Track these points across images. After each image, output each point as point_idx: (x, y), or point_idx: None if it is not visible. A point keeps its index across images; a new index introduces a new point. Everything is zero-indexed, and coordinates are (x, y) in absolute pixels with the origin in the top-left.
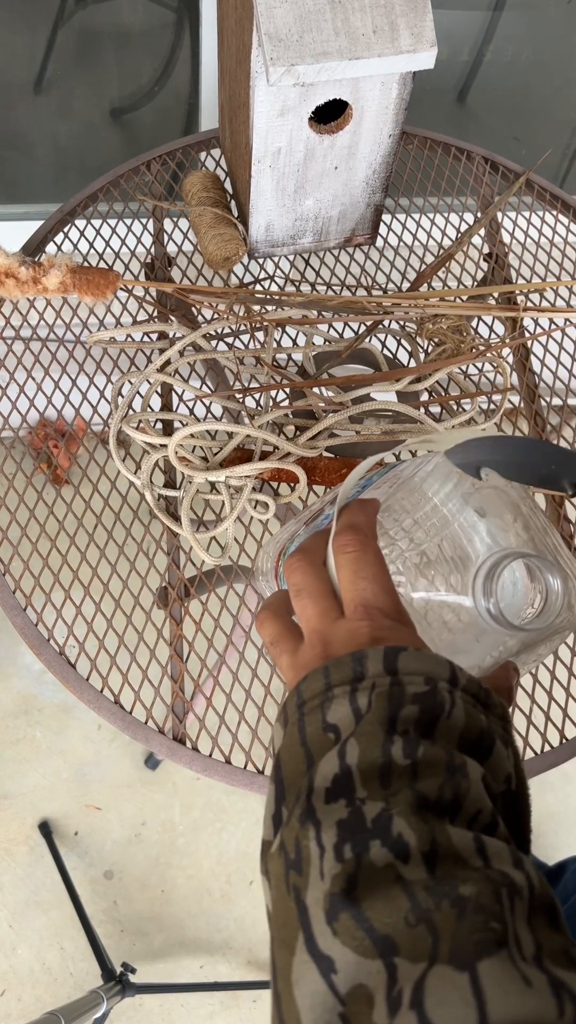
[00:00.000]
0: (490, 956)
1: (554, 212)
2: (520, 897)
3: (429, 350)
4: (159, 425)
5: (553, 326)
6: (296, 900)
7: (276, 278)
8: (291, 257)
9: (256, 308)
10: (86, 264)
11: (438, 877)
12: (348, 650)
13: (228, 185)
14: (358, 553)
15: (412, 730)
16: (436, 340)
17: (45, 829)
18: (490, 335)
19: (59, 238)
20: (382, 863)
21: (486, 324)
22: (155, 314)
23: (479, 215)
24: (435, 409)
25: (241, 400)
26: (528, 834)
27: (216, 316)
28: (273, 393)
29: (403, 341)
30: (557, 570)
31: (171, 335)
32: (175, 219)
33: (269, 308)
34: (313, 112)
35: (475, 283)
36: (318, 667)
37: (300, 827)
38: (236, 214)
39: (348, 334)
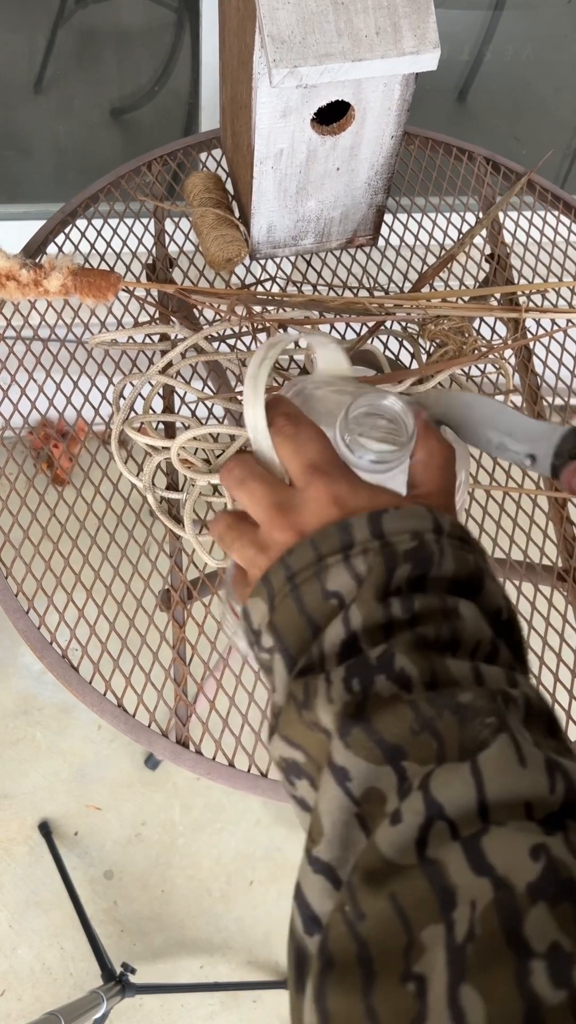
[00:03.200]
0: (488, 745)
1: (555, 212)
2: (516, 705)
3: (431, 351)
4: (161, 427)
5: (555, 327)
6: (319, 730)
7: (278, 279)
8: (293, 258)
9: (257, 309)
10: (87, 265)
11: (439, 694)
12: (315, 515)
13: (229, 186)
14: (294, 427)
15: (405, 587)
16: (438, 341)
17: (45, 829)
18: (492, 336)
19: (60, 239)
20: (387, 693)
21: (488, 325)
22: (156, 316)
23: (480, 216)
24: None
25: (242, 402)
26: (525, 656)
27: (218, 317)
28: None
29: (405, 342)
30: (388, 397)
31: (173, 337)
32: (176, 220)
33: (270, 309)
34: (315, 113)
35: (477, 284)
36: (302, 541)
37: (310, 677)
38: (237, 215)
39: (350, 335)
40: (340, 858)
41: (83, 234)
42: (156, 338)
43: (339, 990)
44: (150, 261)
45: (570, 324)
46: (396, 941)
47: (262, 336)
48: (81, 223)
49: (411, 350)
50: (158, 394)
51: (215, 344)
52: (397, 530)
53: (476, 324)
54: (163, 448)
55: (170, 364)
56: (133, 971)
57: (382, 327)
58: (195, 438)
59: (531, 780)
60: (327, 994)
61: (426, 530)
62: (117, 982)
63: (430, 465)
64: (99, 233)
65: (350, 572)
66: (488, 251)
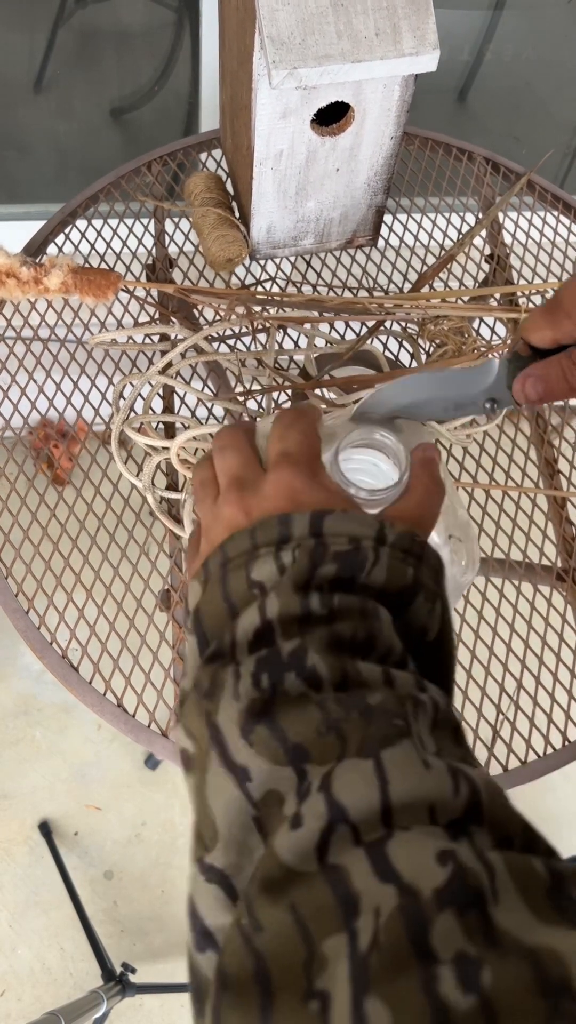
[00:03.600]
0: (392, 745)
1: (555, 213)
2: (424, 711)
3: (431, 351)
4: (161, 427)
5: None
6: (208, 723)
7: (278, 279)
8: (292, 258)
9: (257, 309)
10: (87, 265)
11: (349, 695)
12: (266, 501)
13: (229, 186)
14: (294, 414)
15: (327, 585)
16: (438, 341)
17: (45, 829)
18: (492, 336)
19: (60, 239)
20: (296, 692)
21: (487, 325)
22: (156, 316)
23: (480, 216)
24: None
25: (243, 402)
26: (450, 681)
27: (218, 317)
28: (275, 395)
29: (404, 342)
30: (383, 431)
31: (172, 337)
32: (176, 220)
33: (270, 309)
34: (315, 114)
35: (476, 284)
36: (244, 528)
37: (220, 667)
38: (237, 215)
39: (350, 336)
40: (235, 865)
41: (83, 234)
42: (156, 338)
43: (237, 1014)
44: (150, 261)
45: None
46: (296, 954)
47: (262, 336)
48: (81, 223)
49: (411, 350)
50: (158, 394)
51: (215, 344)
52: (336, 531)
53: (476, 324)
54: (163, 448)
55: (170, 364)
56: (133, 971)
57: (382, 327)
58: (195, 438)
59: (435, 782)
60: (224, 1018)
61: (366, 536)
62: (117, 982)
63: (411, 494)
64: (99, 233)
65: (276, 563)
66: (488, 251)
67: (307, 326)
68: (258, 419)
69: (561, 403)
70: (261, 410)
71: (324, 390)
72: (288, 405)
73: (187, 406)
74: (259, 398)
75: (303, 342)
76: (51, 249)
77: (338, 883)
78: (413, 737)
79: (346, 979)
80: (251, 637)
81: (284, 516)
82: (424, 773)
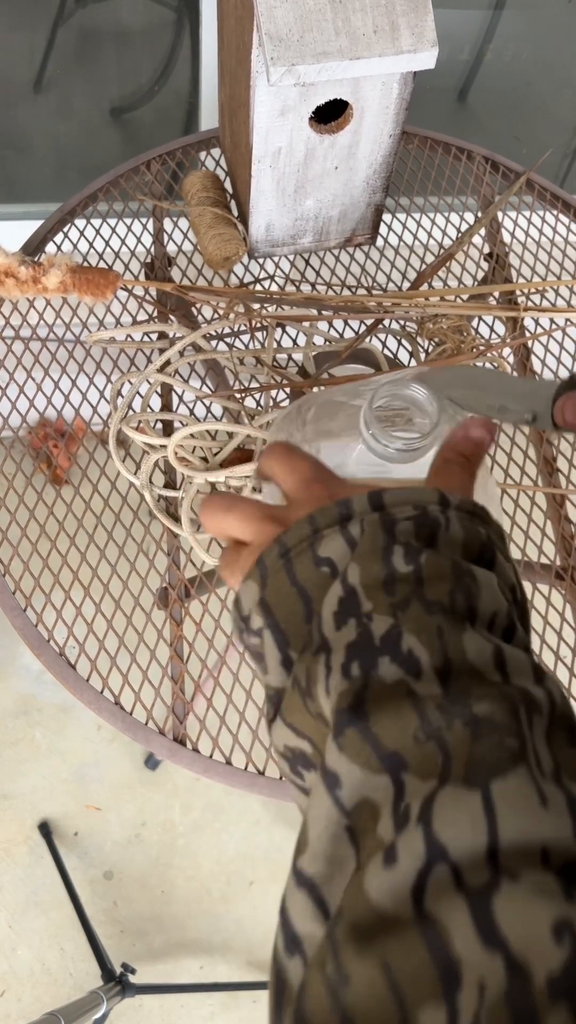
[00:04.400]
0: (504, 775)
1: (555, 212)
2: (539, 713)
3: (430, 350)
4: (159, 425)
5: (554, 326)
6: (317, 720)
7: (276, 278)
8: (291, 257)
9: (256, 307)
10: (86, 264)
11: (452, 693)
12: (311, 506)
13: (228, 185)
14: (283, 450)
15: (412, 540)
16: (436, 340)
17: (45, 830)
18: (491, 335)
19: (59, 238)
20: (392, 679)
21: (487, 324)
22: (155, 314)
23: (479, 215)
24: None
25: (241, 400)
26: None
27: (216, 316)
28: (273, 393)
29: (403, 341)
30: (415, 385)
31: (171, 335)
32: (175, 219)
33: (269, 308)
34: (313, 112)
35: (475, 283)
36: (301, 519)
37: (312, 657)
38: (236, 214)
39: (348, 334)
40: (325, 875)
41: (82, 233)
42: (154, 337)
43: None
44: (149, 260)
45: (568, 323)
46: (388, 1020)
47: (260, 334)
48: (80, 222)
49: (410, 349)
50: (156, 392)
51: (213, 342)
52: (398, 501)
53: (475, 323)
54: (160, 446)
55: (168, 362)
56: (133, 971)
57: (380, 326)
58: (192, 436)
59: (552, 822)
60: None
61: (430, 502)
62: (117, 982)
63: (442, 477)
64: (98, 232)
65: (345, 537)
66: (487, 250)
67: (306, 324)
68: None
69: None
70: (259, 408)
71: (323, 388)
72: (286, 403)
73: (185, 404)
74: (257, 396)
75: (302, 340)
76: (50, 248)
77: (437, 943)
78: (529, 761)
79: None
80: (336, 608)
81: (342, 499)
82: (540, 812)
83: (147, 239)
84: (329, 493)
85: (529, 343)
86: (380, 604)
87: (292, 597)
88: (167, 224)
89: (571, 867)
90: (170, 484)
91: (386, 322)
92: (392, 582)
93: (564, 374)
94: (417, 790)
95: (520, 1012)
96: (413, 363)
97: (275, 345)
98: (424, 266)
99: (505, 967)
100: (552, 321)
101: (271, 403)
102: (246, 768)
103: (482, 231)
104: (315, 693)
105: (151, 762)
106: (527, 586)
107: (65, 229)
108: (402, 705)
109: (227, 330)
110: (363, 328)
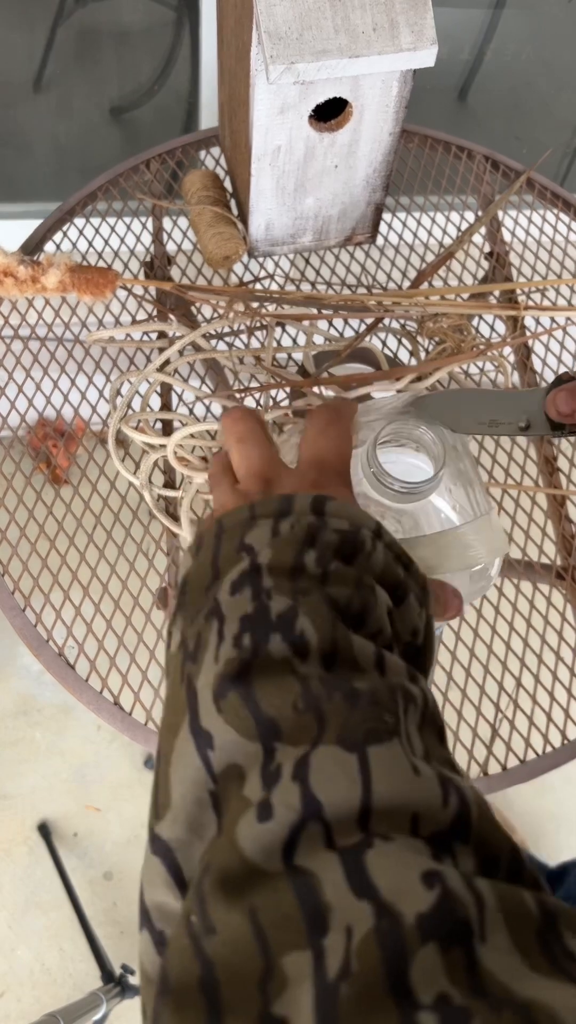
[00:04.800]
0: (380, 743)
1: (555, 211)
2: (414, 705)
3: (430, 349)
4: (158, 425)
5: (554, 325)
6: (187, 686)
7: (276, 277)
8: (291, 256)
9: (256, 306)
10: (85, 263)
11: (334, 674)
12: (287, 491)
13: (228, 184)
14: (330, 417)
15: (328, 552)
16: (437, 339)
17: (44, 830)
18: (491, 334)
19: (58, 237)
20: (279, 655)
21: (487, 323)
22: (154, 313)
23: (480, 214)
24: None
25: (241, 400)
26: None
27: (216, 315)
28: (273, 393)
29: (403, 340)
30: (423, 426)
31: (171, 334)
32: (175, 218)
33: (269, 307)
34: (313, 110)
35: (476, 282)
36: (243, 504)
37: (204, 622)
38: (236, 213)
39: (348, 334)
40: (183, 841)
41: (81, 232)
42: (154, 336)
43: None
44: (148, 259)
45: (569, 322)
46: (252, 967)
47: (260, 333)
48: (79, 221)
49: (410, 348)
50: (156, 392)
51: (213, 342)
52: (337, 513)
53: (475, 322)
54: (160, 445)
55: (167, 362)
56: (132, 972)
57: (380, 324)
58: (192, 435)
59: (423, 789)
60: None
61: (366, 526)
62: (116, 983)
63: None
64: (97, 231)
65: (271, 530)
66: (487, 249)
67: (305, 323)
68: (286, 426)
69: None
70: (260, 407)
71: (322, 388)
72: (286, 403)
73: (185, 404)
74: (257, 395)
75: (302, 340)
76: (49, 247)
77: (306, 890)
78: (402, 736)
79: (310, 1009)
80: (235, 577)
81: (288, 494)
82: (413, 778)
83: (147, 238)
84: (316, 483)
85: (529, 342)
86: (282, 587)
87: (207, 571)
88: (167, 223)
89: (440, 837)
90: (170, 484)
91: (386, 321)
92: (299, 572)
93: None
94: (288, 754)
95: (390, 950)
96: (413, 362)
97: (275, 344)
98: (424, 265)
99: (374, 911)
100: (553, 320)
101: (271, 402)
102: None
103: (482, 230)
104: (200, 658)
105: (151, 762)
106: (527, 586)
107: (64, 228)
108: (286, 676)
109: (227, 329)
110: (363, 327)
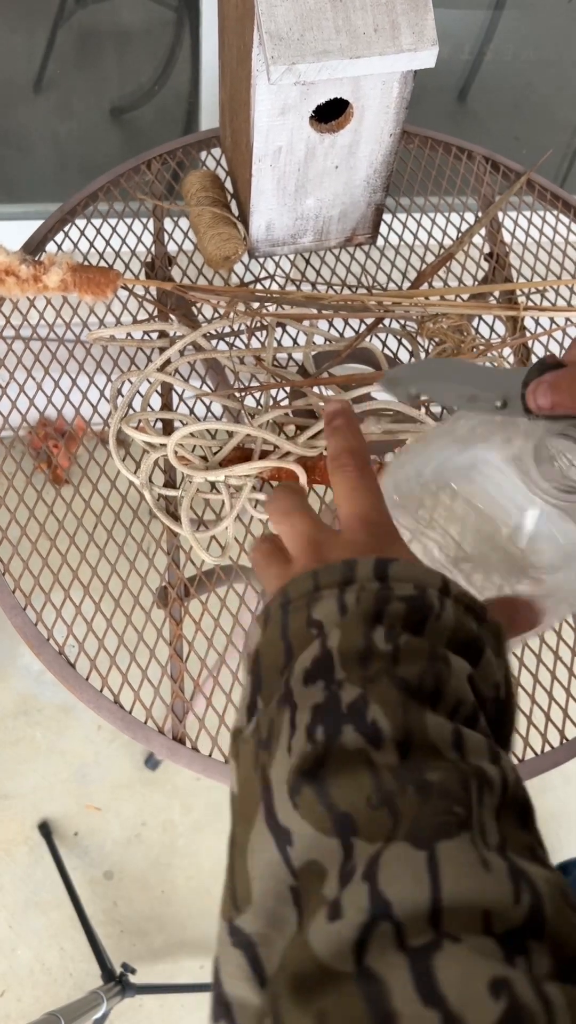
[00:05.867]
0: (450, 838)
1: (555, 212)
2: (491, 790)
3: (430, 349)
4: (159, 424)
5: (554, 325)
6: (261, 776)
7: (276, 277)
8: (292, 256)
9: (256, 307)
10: (86, 263)
11: (409, 764)
12: (340, 555)
13: (228, 184)
14: (357, 471)
15: (397, 624)
16: (437, 339)
17: (45, 829)
18: (491, 334)
19: (59, 237)
20: (353, 746)
21: (487, 323)
22: (155, 313)
23: (480, 214)
24: (436, 409)
25: (241, 399)
26: (510, 739)
27: (216, 315)
28: (273, 392)
29: (403, 340)
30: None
31: (171, 334)
32: (175, 218)
33: (269, 307)
34: (314, 111)
35: (476, 282)
36: (307, 571)
37: (276, 709)
38: (236, 213)
39: (348, 334)
40: (264, 935)
41: (82, 232)
42: (155, 336)
43: None
44: (149, 259)
45: (569, 322)
46: None
47: (260, 334)
48: (80, 222)
49: (410, 348)
50: (156, 391)
51: (213, 342)
52: (401, 576)
53: (475, 322)
54: (160, 445)
55: (168, 362)
56: (133, 971)
57: (381, 325)
58: (192, 434)
59: (494, 886)
60: None
61: (431, 585)
62: (117, 982)
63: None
64: (98, 231)
65: (338, 603)
66: (487, 250)
67: (306, 324)
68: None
69: None
70: (259, 407)
71: (322, 387)
72: (286, 403)
73: (185, 403)
74: (257, 395)
75: (302, 340)
76: (50, 247)
77: (375, 996)
78: (473, 829)
79: None
80: (308, 666)
81: (349, 560)
82: (482, 874)
83: (147, 239)
84: (367, 545)
85: (529, 343)
86: (353, 675)
87: (278, 648)
88: (167, 224)
89: (513, 935)
90: (170, 483)
91: (386, 321)
92: (368, 657)
93: None
94: (364, 851)
95: None
96: (413, 362)
97: (275, 344)
98: (424, 266)
99: (441, 1022)
100: (552, 320)
101: (271, 402)
102: None
103: (482, 231)
104: (273, 748)
105: (151, 762)
106: None
107: (66, 228)
108: (359, 770)
109: (227, 329)
110: (363, 327)
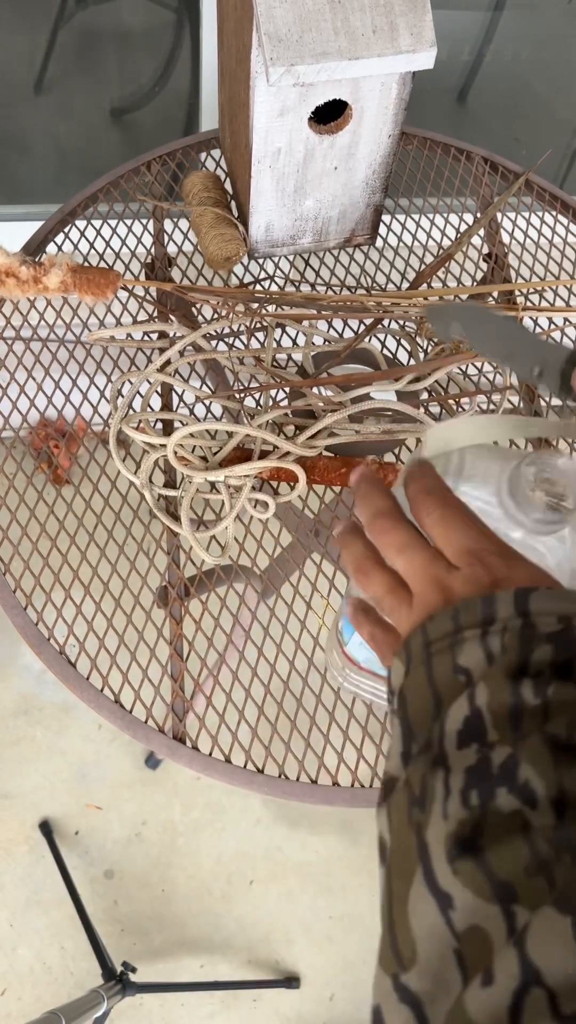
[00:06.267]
0: None
1: (554, 212)
2: None
3: (428, 349)
4: (159, 425)
5: (552, 326)
6: (417, 835)
7: (276, 278)
8: (291, 257)
9: (256, 307)
10: (86, 264)
11: (565, 825)
12: (467, 587)
13: (228, 185)
14: (442, 510)
15: (546, 671)
16: (435, 339)
17: (46, 829)
18: None
19: (59, 238)
20: (508, 810)
21: None
22: (155, 314)
23: (479, 215)
24: (435, 408)
25: (241, 400)
26: None
27: (216, 316)
28: (273, 393)
29: (402, 341)
30: (562, 457)
31: (171, 335)
32: (175, 219)
33: (269, 308)
34: (313, 112)
35: (475, 283)
36: (446, 608)
37: (429, 769)
38: (236, 214)
39: (348, 334)
40: (431, 994)
41: (82, 233)
42: (155, 336)
43: None
44: (149, 260)
45: (567, 323)
46: None
47: (260, 335)
48: (80, 223)
49: (408, 348)
50: (156, 392)
51: (213, 342)
52: (543, 610)
53: None
54: (160, 445)
55: (168, 362)
56: (133, 970)
57: (380, 325)
58: (192, 435)
59: None
60: None
61: (575, 614)
62: (118, 981)
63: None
64: (98, 232)
65: (483, 649)
66: (486, 250)
67: (305, 324)
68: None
69: (560, 402)
70: (259, 407)
71: (322, 388)
72: (285, 403)
73: (185, 404)
74: (257, 396)
75: (301, 340)
76: (50, 248)
77: None
78: None
79: None
80: (460, 726)
81: (488, 596)
82: None
83: (147, 239)
84: (490, 575)
85: None
86: (504, 735)
87: (426, 695)
88: (167, 225)
89: None
90: (170, 483)
91: (385, 322)
92: (519, 714)
93: None
94: (524, 918)
95: None
96: (412, 363)
97: (275, 345)
98: (423, 266)
99: None
100: (551, 321)
101: (271, 403)
102: (245, 766)
103: (481, 231)
104: (429, 808)
105: (152, 761)
106: None
107: (66, 230)
108: (516, 836)
109: (227, 330)
110: (362, 328)
